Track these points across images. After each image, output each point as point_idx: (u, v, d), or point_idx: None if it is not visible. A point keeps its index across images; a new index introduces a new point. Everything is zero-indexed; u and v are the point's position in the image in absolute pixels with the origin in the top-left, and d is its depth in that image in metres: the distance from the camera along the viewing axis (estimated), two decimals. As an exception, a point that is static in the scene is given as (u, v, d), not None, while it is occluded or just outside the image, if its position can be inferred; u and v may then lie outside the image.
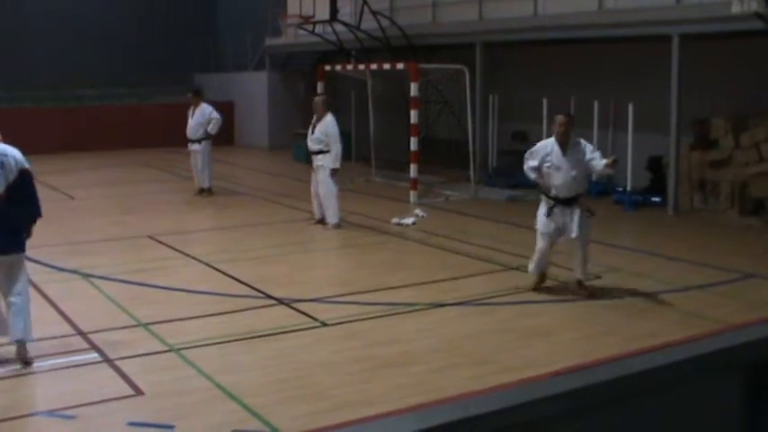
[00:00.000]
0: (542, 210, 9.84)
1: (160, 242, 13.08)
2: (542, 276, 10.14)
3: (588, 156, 9.57)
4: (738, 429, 2.71)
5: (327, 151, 13.87)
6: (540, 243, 9.84)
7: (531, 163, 9.74)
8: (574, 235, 9.64)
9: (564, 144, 9.62)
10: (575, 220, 9.62)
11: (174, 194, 18.43)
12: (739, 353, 2.64)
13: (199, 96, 18.21)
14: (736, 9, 12.34)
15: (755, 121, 15.01)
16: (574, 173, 9.56)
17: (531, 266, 10.07)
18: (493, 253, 12.11)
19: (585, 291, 9.83)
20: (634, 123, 16.09)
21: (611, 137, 18.20)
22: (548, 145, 9.75)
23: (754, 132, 14.95)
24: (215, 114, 17.66)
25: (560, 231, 9.75)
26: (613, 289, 10.11)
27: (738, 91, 15.59)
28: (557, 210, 9.68)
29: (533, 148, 9.87)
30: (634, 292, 9.95)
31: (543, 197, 9.88)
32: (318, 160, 14.01)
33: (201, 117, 17.68)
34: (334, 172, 13.89)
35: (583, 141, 9.81)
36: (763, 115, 14.90)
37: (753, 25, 13.31)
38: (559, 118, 9.85)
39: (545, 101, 18.43)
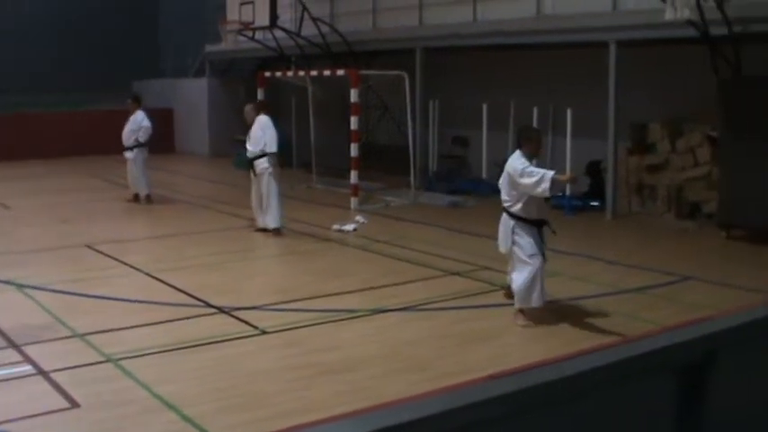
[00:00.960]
0: (527, 237, 8.84)
1: (98, 251, 12.88)
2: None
3: None
4: (670, 430, 2.73)
5: (267, 152, 13.79)
6: (535, 265, 8.80)
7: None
8: (546, 258, 9.02)
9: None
10: (544, 242, 9.05)
11: (112, 203, 18.15)
12: (671, 354, 2.66)
13: (137, 103, 18.02)
14: (669, 16, 12.53)
15: (690, 126, 15.26)
16: None
17: (535, 297, 8.86)
18: (433, 259, 12.12)
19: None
20: (573, 129, 16.25)
21: (550, 142, 18.34)
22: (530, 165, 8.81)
23: (689, 137, 15.19)
24: (145, 123, 17.55)
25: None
26: (553, 293, 10.17)
27: (674, 96, 15.83)
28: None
29: (527, 166, 8.71)
30: (573, 296, 10.02)
31: (522, 224, 8.88)
32: (259, 166, 13.90)
33: (134, 124, 17.57)
34: (272, 156, 13.78)
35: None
36: (697, 120, 15.15)
37: (686, 32, 13.53)
38: (537, 135, 9.28)
39: (485, 106, 18.56)
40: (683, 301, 9.89)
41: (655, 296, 10.14)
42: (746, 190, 13.23)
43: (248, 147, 14.05)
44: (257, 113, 14.05)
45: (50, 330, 8.76)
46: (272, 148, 13.76)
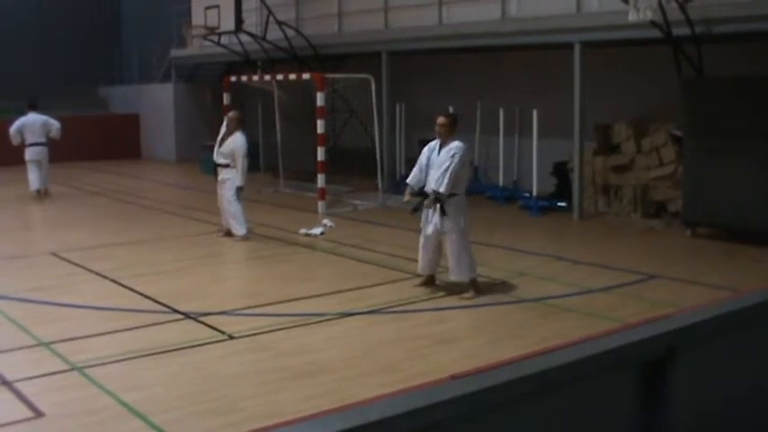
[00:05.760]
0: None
1: (63, 259, 12.77)
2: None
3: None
4: (631, 426, 2.74)
5: (234, 166, 13.73)
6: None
7: None
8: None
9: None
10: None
11: (77, 210, 18.03)
12: (633, 351, 2.68)
13: (29, 108, 19.22)
14: (632, 17, 12.62)
15: (655, 126, 15.38)
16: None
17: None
18: (401, 261, 12.13)
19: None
20: (539, 130, 16.32)
21: (516, 143, 18.46)
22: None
23: (654, 137, 15.32)
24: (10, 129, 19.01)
25: None
26: (520, 293, 10.22)
27: (638, 97, 15.97)
28: None
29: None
30: (540, 296, 10.07)
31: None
32: (223, 173, 13.85)
33: None
34: (239, 189, 13.76)
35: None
36: (662, 120, 15.28)
37: (649, 33, 13.65)
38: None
39: (451, 108, 18.58)
40: (649, 299, 9.97)
41: (621, 295, 10.21)
42: (710, 188, 13.36)
43: (216, 153, 13.99)
44: (238, 127, 13.92)
45: (14, 340, 8.67)
46: (241, 182, 13.74)
